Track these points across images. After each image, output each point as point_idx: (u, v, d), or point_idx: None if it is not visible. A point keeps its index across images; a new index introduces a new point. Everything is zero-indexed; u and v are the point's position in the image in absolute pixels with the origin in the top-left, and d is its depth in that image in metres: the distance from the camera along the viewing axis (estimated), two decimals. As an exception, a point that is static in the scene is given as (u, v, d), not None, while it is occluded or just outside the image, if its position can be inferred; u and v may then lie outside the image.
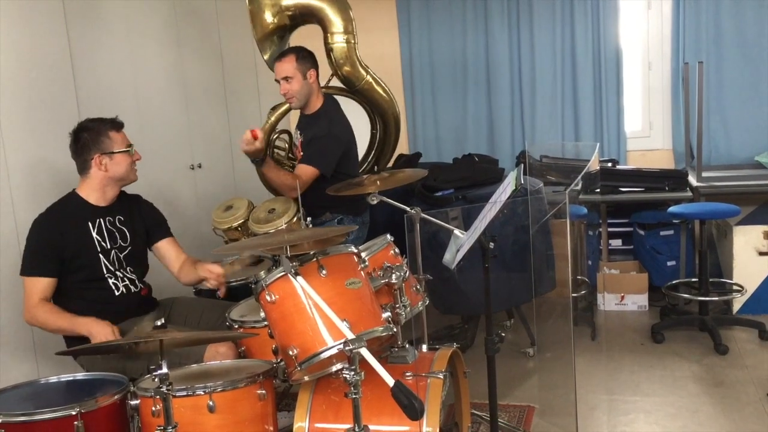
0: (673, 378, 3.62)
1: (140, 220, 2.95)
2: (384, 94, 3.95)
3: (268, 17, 3.67)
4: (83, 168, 2.77)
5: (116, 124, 2.80)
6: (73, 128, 2.78)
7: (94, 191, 2.79)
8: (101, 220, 2.81)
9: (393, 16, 5.41)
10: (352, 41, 3.74)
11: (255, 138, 3.09)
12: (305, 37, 3.87)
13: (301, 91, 3.38)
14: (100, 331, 2.61)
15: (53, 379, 2.39)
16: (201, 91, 4.29)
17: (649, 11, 5.10)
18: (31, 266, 2.66)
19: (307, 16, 3.75)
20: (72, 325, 2.64)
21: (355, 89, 3.84)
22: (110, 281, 2.79)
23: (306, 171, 3.30)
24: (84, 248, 2.74)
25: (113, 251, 2.82)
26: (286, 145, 3.82)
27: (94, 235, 2.77)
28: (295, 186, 3.17)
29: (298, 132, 3.59)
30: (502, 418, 3.23)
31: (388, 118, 4.02)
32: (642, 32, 5.13)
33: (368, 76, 3.84)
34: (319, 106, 3.46)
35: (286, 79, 3.36)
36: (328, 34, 3.72)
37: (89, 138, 2.73)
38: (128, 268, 2.87)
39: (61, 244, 2.67)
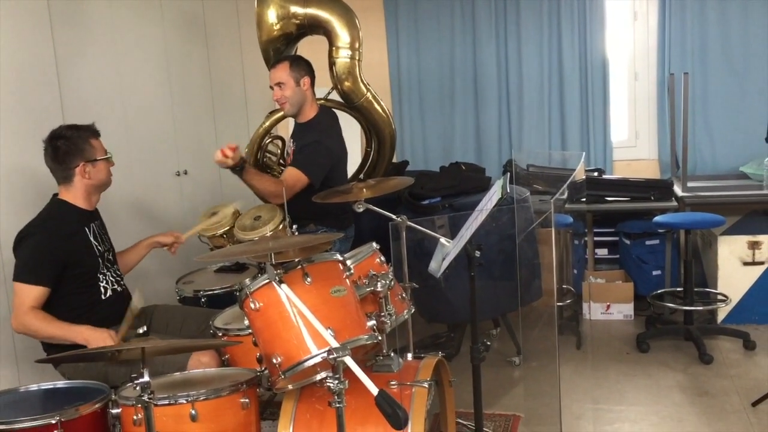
0: (658, 387, 3.63)
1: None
2: (382, 113, 3.91)
3: (275, 22, 3.64)
4: (66, 177, 2.72)
5: (95, 132, 2.77)
6: (49, 136, 2.71)
7: (81, 198, 2.76)
8: (93, 224, 2.81)
9: (381, 25, 5.42)
10: (357, 57, 3.72)
11: (226, 156, 3.07)
12: (310, 46, 3.87)
13: (293, 98, 3.38)
14: (97, 337, 2.56)
15: (33, 387, 2.37)
16: (188, 97, 4.27)
17: (635, 22, 5.13)
18: (28, 273, 2.57)
19: (314, 26, 3.72)
20: (66, 333, 2.58)
21: (353, 105, 3.82)
22: (101, 285, 2.77)
23: (293, 174, 3.27)
24: (86, 253, 2.73)
25: (105, 254, 2.83)
26: (279, 151, 3.80)
27: (91, 239, 2.77)
28: (279, 192, 3.15)
29: (292, 141, 3.58)
30: (488, 427, 3.23)
31: (385, 137, 3.97)
32: (628, 43, 5.17)
33: (368, 94, 3.81)
34: (313, 115, 3.46)
35: (279, 85, 3.37)
36: (333, 48, 3.71)
37: (71, 146, 2.68)
38: (115, 268, 2.88)
39: (66, 250, 2.63)
